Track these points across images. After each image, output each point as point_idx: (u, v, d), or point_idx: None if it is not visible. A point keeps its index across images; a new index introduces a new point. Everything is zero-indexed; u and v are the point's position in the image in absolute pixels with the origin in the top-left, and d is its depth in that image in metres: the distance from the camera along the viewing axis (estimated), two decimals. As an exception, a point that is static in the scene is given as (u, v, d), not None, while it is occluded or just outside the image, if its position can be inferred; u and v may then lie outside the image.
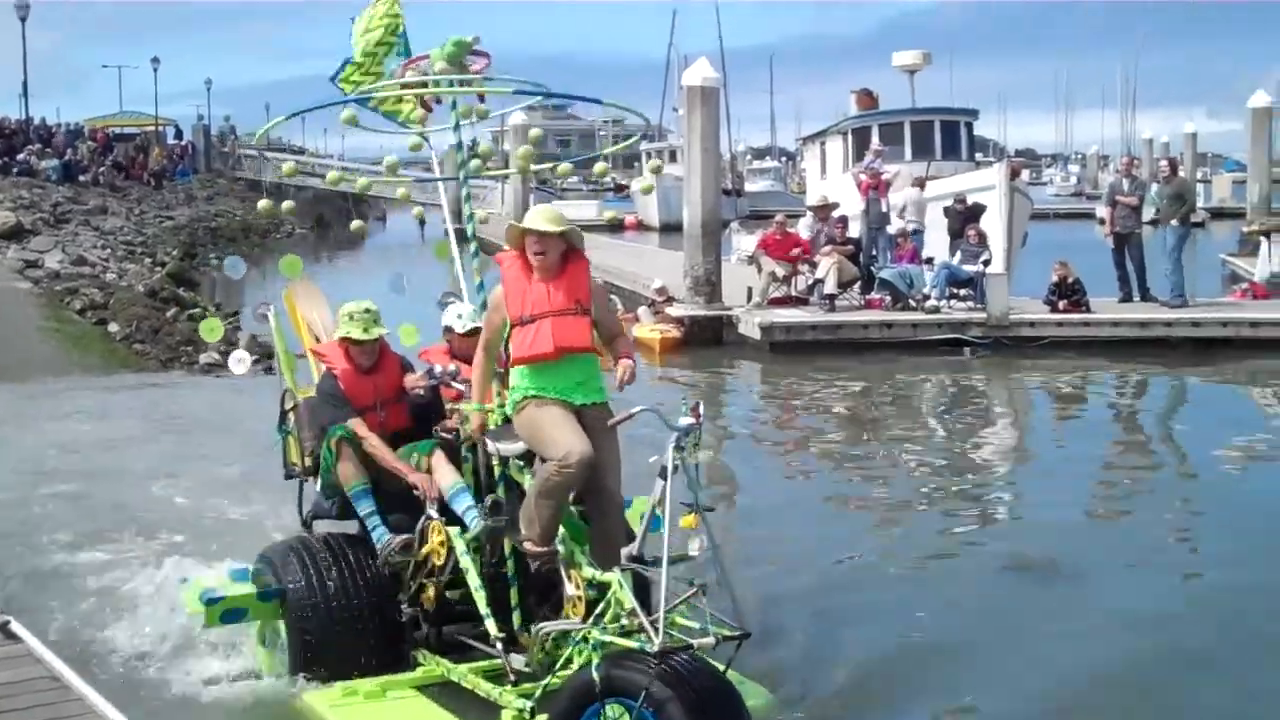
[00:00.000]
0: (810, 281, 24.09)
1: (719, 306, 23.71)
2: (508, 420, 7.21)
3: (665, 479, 6.26)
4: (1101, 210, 25.04)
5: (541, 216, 6.97)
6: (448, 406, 8.17)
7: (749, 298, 23.99)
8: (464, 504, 7.59)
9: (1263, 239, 28.02)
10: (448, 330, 8.47)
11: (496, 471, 7.50)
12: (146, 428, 16.20)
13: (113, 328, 23.61)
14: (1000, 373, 20.54)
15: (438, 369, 8.19)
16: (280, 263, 9.39)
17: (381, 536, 7.77)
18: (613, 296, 24.89)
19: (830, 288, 23.12)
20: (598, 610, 6.40)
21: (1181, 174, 25.42)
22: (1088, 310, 22.37)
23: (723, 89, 30.42)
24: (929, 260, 23.97)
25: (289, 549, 8.02)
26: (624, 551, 6.56)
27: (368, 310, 8.11)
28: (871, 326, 22.16)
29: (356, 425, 7.91)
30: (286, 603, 7.77)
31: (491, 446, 7.35)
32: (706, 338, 23.22)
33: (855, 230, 24.57)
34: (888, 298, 23.15)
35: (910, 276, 23.24)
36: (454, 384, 8.06)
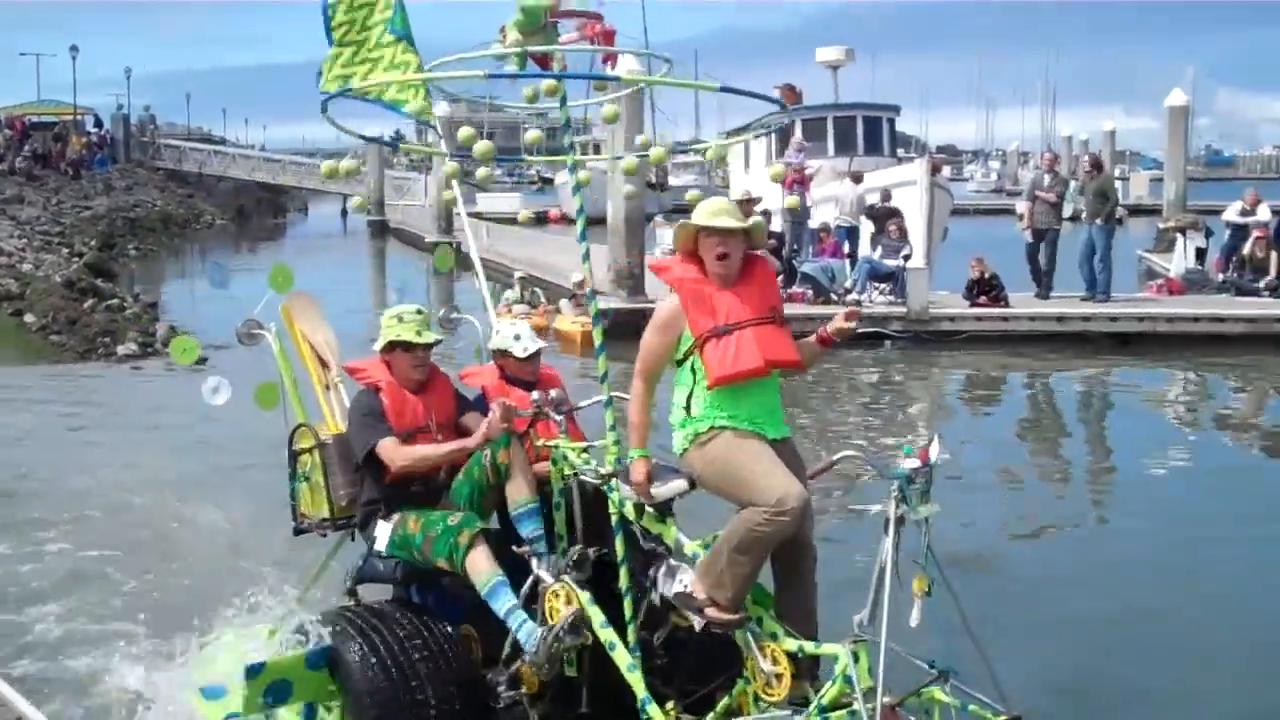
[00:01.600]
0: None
1: (642, 299, 23.75)
2: (619, 462, 6.08)
3: (889, 534, 5.21)
4: (1021, 206, 25.35)
5: (721, 210, 5.80)
6: (539, 443, 6.86)
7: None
8: (532, 533, 6.48)
9: (1178, 235, 28.44)
10: (501, 354, 7.28)
11: (614, 520, 6.14)
12: (62, 420, 16.02)
13: (29, 319, 23.28)
14: (919, 366, 20.75)
15: (535, 395, 6.81)
16: (270, 274, 7.83)
17: (531, 632, 6.15)
18: (536, 290, 25.00)
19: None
20: (820, 693, 5.42)
21: (1104, 171, 25.72)
22: (1006, 305, 22.65)
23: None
24: (851, 255, 24.15)
25: (348, 621, 6.45)
26: (856, 619, 5.39)
27: (420, 311, 6.86)
28: (793, 320, 22.21)
29: (389, 447, 6.56)
30: (349, 688, 6.26)
31: (626, 490, 6.00)
32: (629, 331, 23.13)
33: (778, 224, 24.70)
34: (810, 291, 23.30)
35: (832, 270, 23.43)
36: (557, 415, 6.79)
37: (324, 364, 7.77)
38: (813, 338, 6.01)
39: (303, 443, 7.25)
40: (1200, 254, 27.55)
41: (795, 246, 24.39)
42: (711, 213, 5.77)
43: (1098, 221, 23.24)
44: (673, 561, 6.00)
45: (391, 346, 6.76)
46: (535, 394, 6.83)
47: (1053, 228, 23.43)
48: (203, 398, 7.58)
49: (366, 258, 49.42)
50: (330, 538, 7.32)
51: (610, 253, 24.20)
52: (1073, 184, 27.03)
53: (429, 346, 6.82)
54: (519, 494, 6.52)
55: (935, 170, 25.50)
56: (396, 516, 6.62)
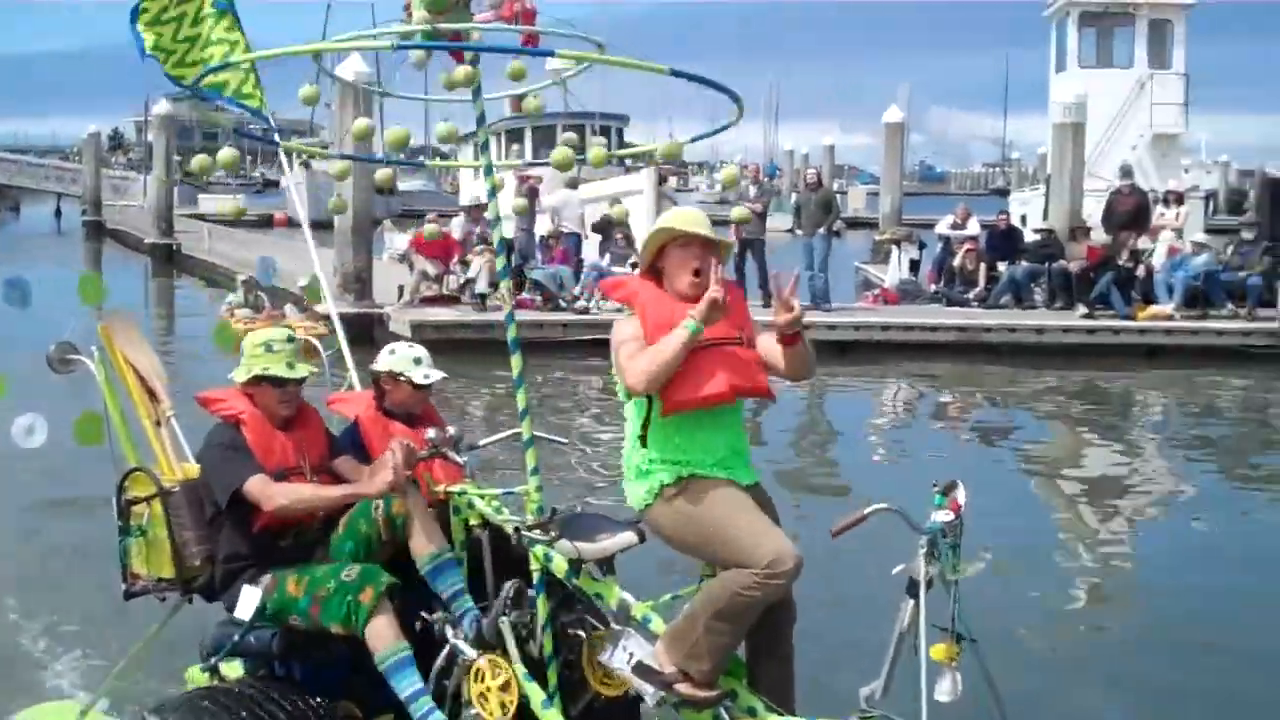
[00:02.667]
0: (462, 281, 24.14)
1: (369, 304, 23.48)
2: (550, 512, 5.38)
3: (917, 598, 4.67)
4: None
5: (700, 221, 5.17)
6: (438, 489, 6.06)
7: (400, 296, 23.88)
8: (452, 588, 5.72)
9: (893, 247, 29.45)
10: (391, 378, 6.37)
11: (536, 578, 5.47)
12: None
13: None
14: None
15: (432, 433, 6.05)
16: (79, 284, 6.63)
17: None
18: (260, 293, 24.45)
19: (482, 287, 23.23)
20: None
21: (825, 185, 26.59)
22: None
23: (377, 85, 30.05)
24: (580, 262, 24.33)
25: (205, 710, 5.37)
26: (864, 692, 4.88)
27: (290, 339, 5.98)
28: (523, 326, 22.25)
29: (260, 483, 5.63)
30: None
31: (567, 546, 5.29)
32: (356, 335, 22.85)
33: (509, 231, 24.70)
34: (539, 298, 23.38)
35: (561, 277, 23.55)
36: (459, 456, 6.02)
37: (152, 395, 6.70)
38: (772, 339, 5.18)
39: (137, 490, 6.11)
40: (914, 265, 28.60)
41: (524, 254, 24.45)
42: (691, 220, 5.14)
43: (820, 232, 23.97)
44: (614, 626, 5.34)
45: (257, 380, 5.82)
46: (431, 431, 6.05)
47: (759, 238, 24.05)
48: (13, 440, 6.41)
49: (82, 260, 47.52)
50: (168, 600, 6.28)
51: (337, 256, 23.84)
52: (794, 196, 27.71)
53: (301, 382, 5.93)
54: (426, 547, 5.72)
55: (662, 180, 25.91)
56: (268, 578, 5.68)
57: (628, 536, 5.27)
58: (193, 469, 6.25)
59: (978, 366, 21.72)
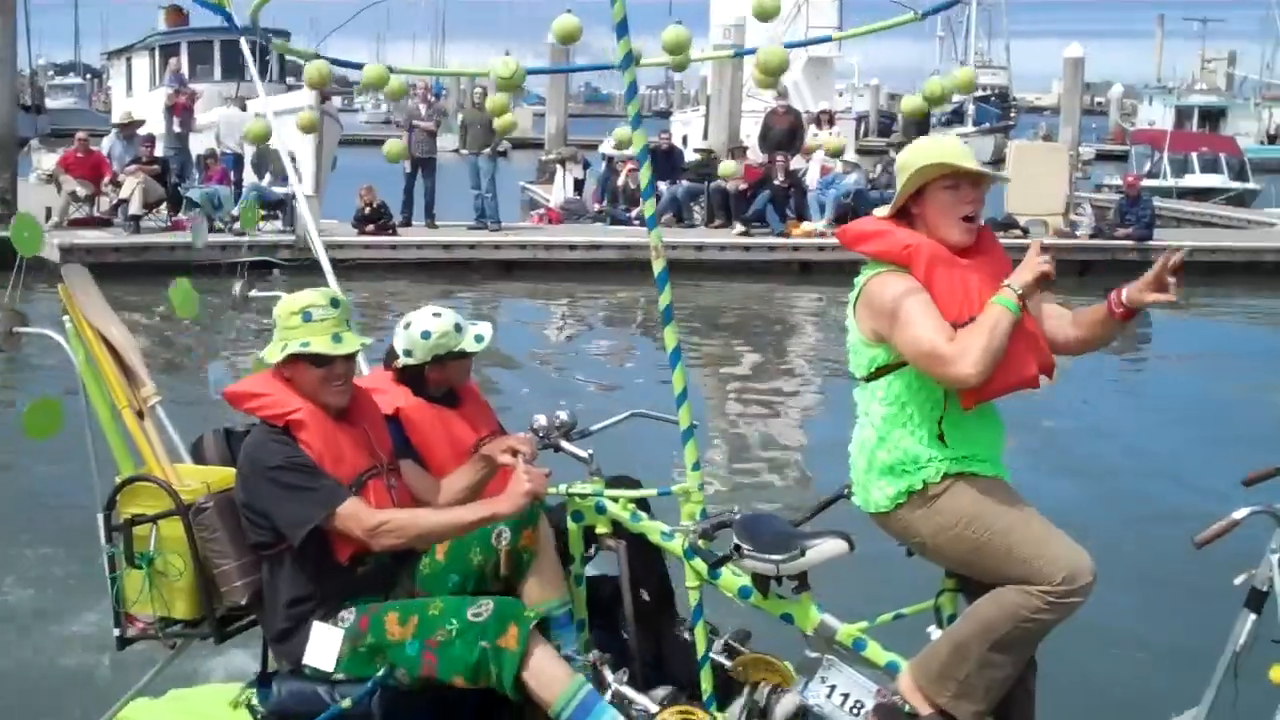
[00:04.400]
0: (114, 202, 23.21)
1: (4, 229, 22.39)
2: (716, 516, 4.49)
3: (1259, 610, 4.16)
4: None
5: (964, 153, 4.29)
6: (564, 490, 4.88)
7: (48, 218, 22.81)
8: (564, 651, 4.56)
9: (559, 167, 29.68)
10: (438, 363, 5.09)
11: (693, 602, 4.56)
12: None
13: None
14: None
15: (542, 420, 5.06)
16: (14, 227, 5.31)
17: None
18: None
19: (135, 208, 22.37)
20: None
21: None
22: (394, 233, 22.95)
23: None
24: (238, 182, 23.70)
25: None
26: (1189, 714, 4.28)
27: (336, 302, 4.64)
28: (178, 248, 21.64)
29: (353, 511, 4.39)
30: None
31: (757, 563, 4.39)
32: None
33: (161, 150, 23.88)
34: (198, 217, 22.69)
35: (219, 197, 22.89)
36: (576, 449, 5.01)
37: (129, 376, 5.24)
38: (1101, 309, 4.26)
39: (140, 506, 4.76)
40: (578, 185, 28.90)
41: (180, 172, 23.68)
42: (959, 153, 4.24)
43: (485, 152, 23.97)
44: (810, 654, 4.53)
45: (294, 359, 4.53)
46: (541, 417, 5.06)
47: (430, 156, 23.95)
48: None
49: None
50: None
51: (-23, 177, 22.58)
52: (460, 116, 27.58)
53: (352, 358, 4.67)
54: (543, 594, 4.67)
55: (325, 99, 25.37)
56: (349, 614, 4.47)
57: (837, 544, 4.33)
58: (204, 473, 4.94)
59: (644, 285, 22.13)
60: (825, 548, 4.32)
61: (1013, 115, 63.61)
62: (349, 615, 4.45)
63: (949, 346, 3.99)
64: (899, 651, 4.44)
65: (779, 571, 4.37)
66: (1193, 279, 21.72)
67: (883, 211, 4.37)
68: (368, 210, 23.04)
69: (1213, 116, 60.12)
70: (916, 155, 4.22)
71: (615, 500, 4.79)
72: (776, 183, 24.52)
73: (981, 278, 4.17)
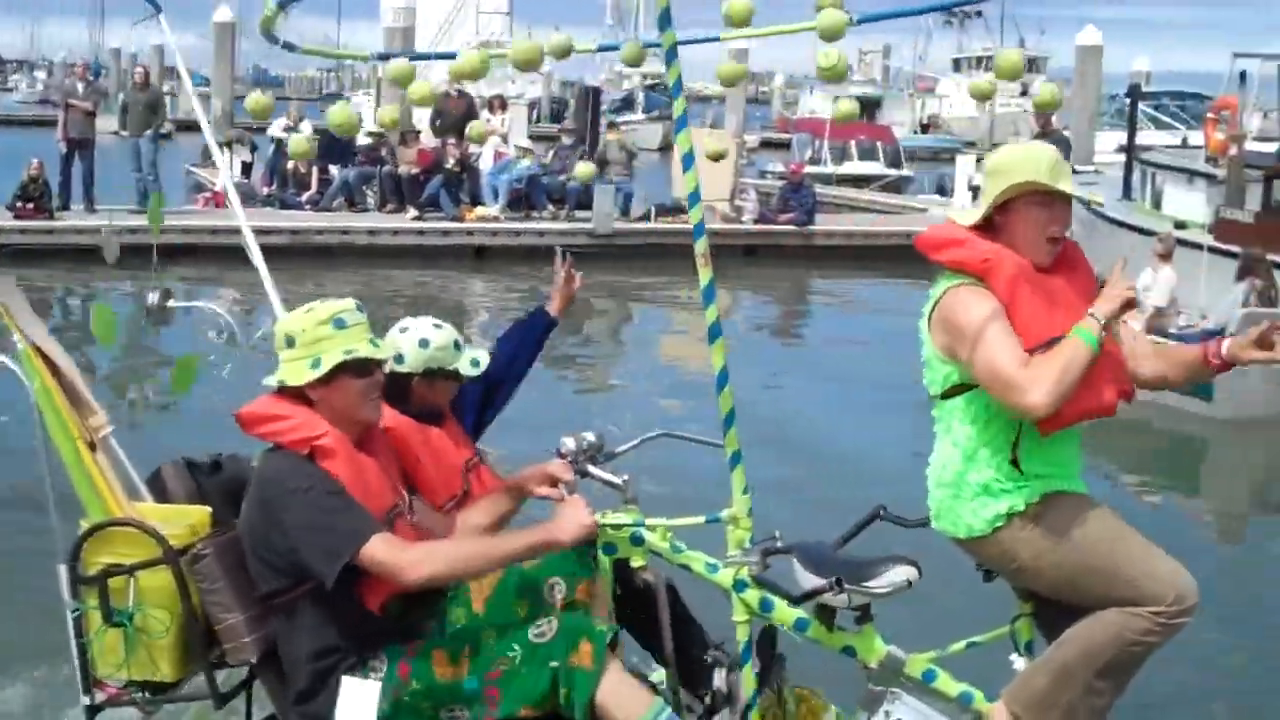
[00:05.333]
0: None
1: None
2: (763, 544, 4.22)
3: None
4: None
5: (1063, 170, 4.07)
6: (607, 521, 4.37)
7: None
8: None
9: (225, 150, 28.90)
10: (427, 379, 4.71)
11: (743, 640, 4.30)
12: None
13: None
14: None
15: (570, 443, 4.61)
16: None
17: None
18: None
19: None
20: None
21: (153, 84, 25.69)
22: (51, 217, 22.07)
23: None
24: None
25: None
26: None
27: (359, 306, 4.25)
28: None
29: (385, 546, 3.88)
30: None
31: (805, 577, 4.14)
32: None
33: None
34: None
35: None
36: (607, 475, 4.54)
37: (75, 401, 4.53)
38: (1195, 353, 4.21)
39: (112, 555, 4.19)
40: (246, 168, 28.22)
41: None
42: (1057, 170, 4.03)
43: (147, 134, 23.25)
44: (874, 688, 4.28)
45: (337, 371, 4.04)
46: (569, 440, 4.60)
47: (88, 137, 23.08)
48: None
49: None
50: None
51: None
52: (121, 96, 26.60)
53: (383, 364, 4.29)
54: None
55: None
56: (380, 663, 4.02)
57: (907, 571, 4.10)
58: (177, 513, 4.39)
59: (311, 268, 21.79)
60: (893, 575, 4.09)
61: (681, 103, 64.60)
62: (381, 665, 4.00)
63: (1021, 374, 3.84)
64: (969, 681, 4.29)
65: (849, 603, 4.11)
66: (848, 262, 22.77)
67: (961, 217, 4.21)
68: (31, 186, 22.00)
69: (870, 106, 62.56)
70: (1014, 166, 4.05)
71: (653, 530, 4.38)
72: (449, 167, 24.46)
73: (1065, 297, 4.04)
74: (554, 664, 3.84)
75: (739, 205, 26.52)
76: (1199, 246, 19.09)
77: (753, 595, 4.25)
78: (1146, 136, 26.58)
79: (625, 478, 4.43)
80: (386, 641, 4.04)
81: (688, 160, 4.06)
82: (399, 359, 4.60)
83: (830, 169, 39.60)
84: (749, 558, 4.17)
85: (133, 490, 4.54)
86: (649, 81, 66.39)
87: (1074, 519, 4.01)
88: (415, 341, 4.66)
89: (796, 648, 4.48)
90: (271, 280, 5.86)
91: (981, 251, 4.04)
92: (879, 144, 42.82)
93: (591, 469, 4.56)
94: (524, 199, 24.85)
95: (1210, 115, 23.93)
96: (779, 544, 4.22)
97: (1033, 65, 76.63)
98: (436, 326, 4.73)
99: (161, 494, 4.53)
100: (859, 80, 65.49)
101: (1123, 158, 25.48)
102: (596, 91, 32.21)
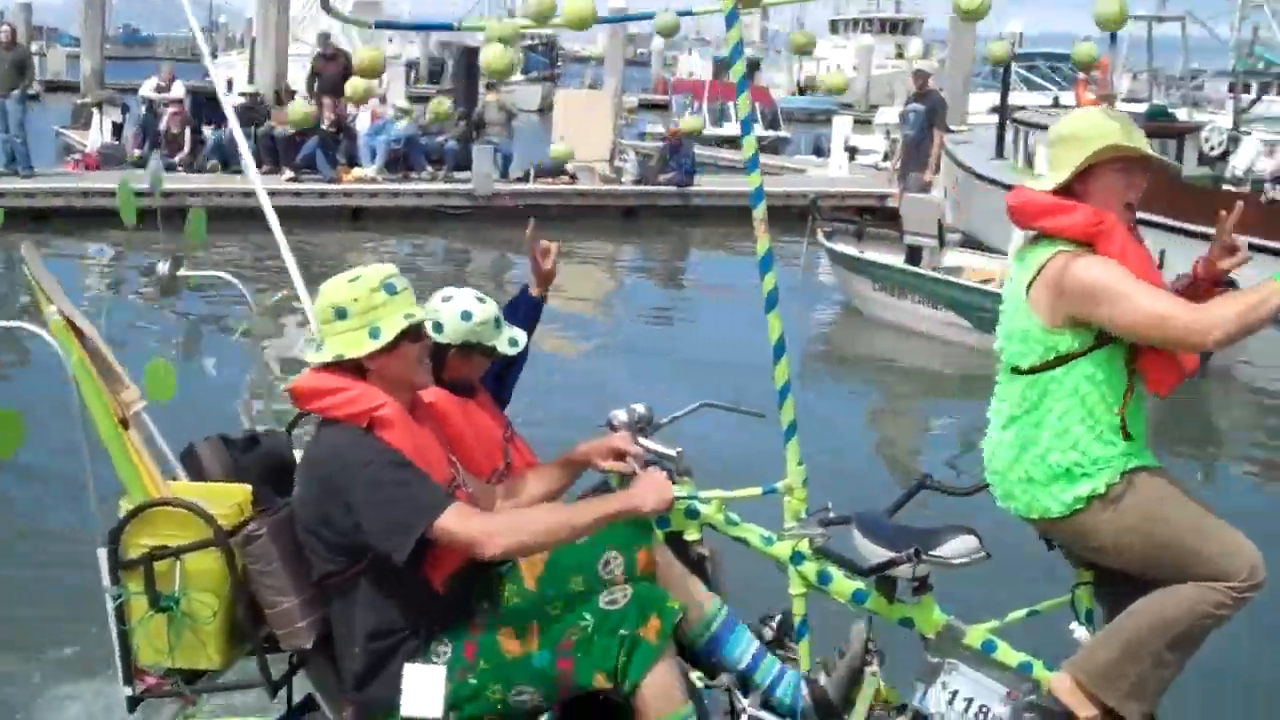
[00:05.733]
0: None
1: None
2: (820, 516, 4.23)
3: None
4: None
5: (1139, 133, 4.12)
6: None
7: None
8: (749, 653, 4.22)
9: (95, 111, 28.31)
10: (464, 352, 4.54)
11: (799, 611, 4.32)
12: None
13: None
14: None
15: (622, 414, 4.59)
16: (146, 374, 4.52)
17: None
18: None
19: None
20: None
21: (20, 43, 25.10)
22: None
23: None
24: None
25: None
26: None
27: (399, 270, 4.06)
28: None
29: (459, 517, 3.71)
30: None
31: (867, 546, 4.14)
32: None
33: None
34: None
35: None
36: (660, 446, 4.46)
37: (106, 375, 4.20)
38: (1190, 288, 4.24)
39: (157, 536, 3.95)
40: (117, 129, 27.66)
41: None
42: (1136, 133, 4.07)
43: (14, 94, 22.71)
44: (931, 659, 4.27)
45: (400, 338, 3.89)
46: (620, 412, 4.53)
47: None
48: None
49: None
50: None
51: None
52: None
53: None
54: (699, 608, 4.22)
55: None
56: (444, 646, 3.87)
57: (969, 540, 4.10)
58: (219, 491, 4.16)
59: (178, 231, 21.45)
60: (956, 545, 4.08)
61: (559, 64, 64.63)
62: (445, 649, 3.85)
63: (1196, 312, 3.84)
64: (1029, 651, 4.31)
65: (918, 575, 4.09)
66: (728, 222, 22.93)
67: (1038, 184, 4.18)
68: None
69: (750, 68, 62.89)
70: (1095, 131, 4.04)
71: (708, 502, 4.37)
72: (325, 128, 24.19)
73: (1150, 265, 4.06)
74: (623, 632, 3.72)
75: (619, 166, 26.59)
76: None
77: (810, 568, 4.23)
78: (1019, 97, 27.01)
79: (678, 450, 4.37)
80: (447, 621, 3.89)
81: (746, 125, 4.17)
82: (438, 328, 4.45)
83: (709, 130, 39.70)
84: (811, 529, 4.15)
85: (167, 468, 4.33)
86: (527, 43, 66.05)
87: (1152, 500, 4.02)
88: (458, 313, 4.49)
89: (830, 624, 4.45)
90: (287, 246, 5.74)
91: (1091, 217, 4.01)
92: (758, 105, 42.98)
93: (643, 441, 4.46)
94: (402, 160, 24.67)
95: (1081, 76, 24.31)
96: (832, 515, 4.21)
97: (905, 27, 77.50)
98: (480, 300, 4.56)
99: (197, 472, 4.32)
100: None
101: (996, 118, 25.93)
102: (474, 52, 31.99)
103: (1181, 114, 24.35)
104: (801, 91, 66.26)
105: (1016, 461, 4.13)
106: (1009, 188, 19.95)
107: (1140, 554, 4.03)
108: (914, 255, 16.94)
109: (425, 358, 4.00)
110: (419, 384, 4.00)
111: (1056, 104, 27.55)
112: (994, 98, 29.19)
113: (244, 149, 7.05)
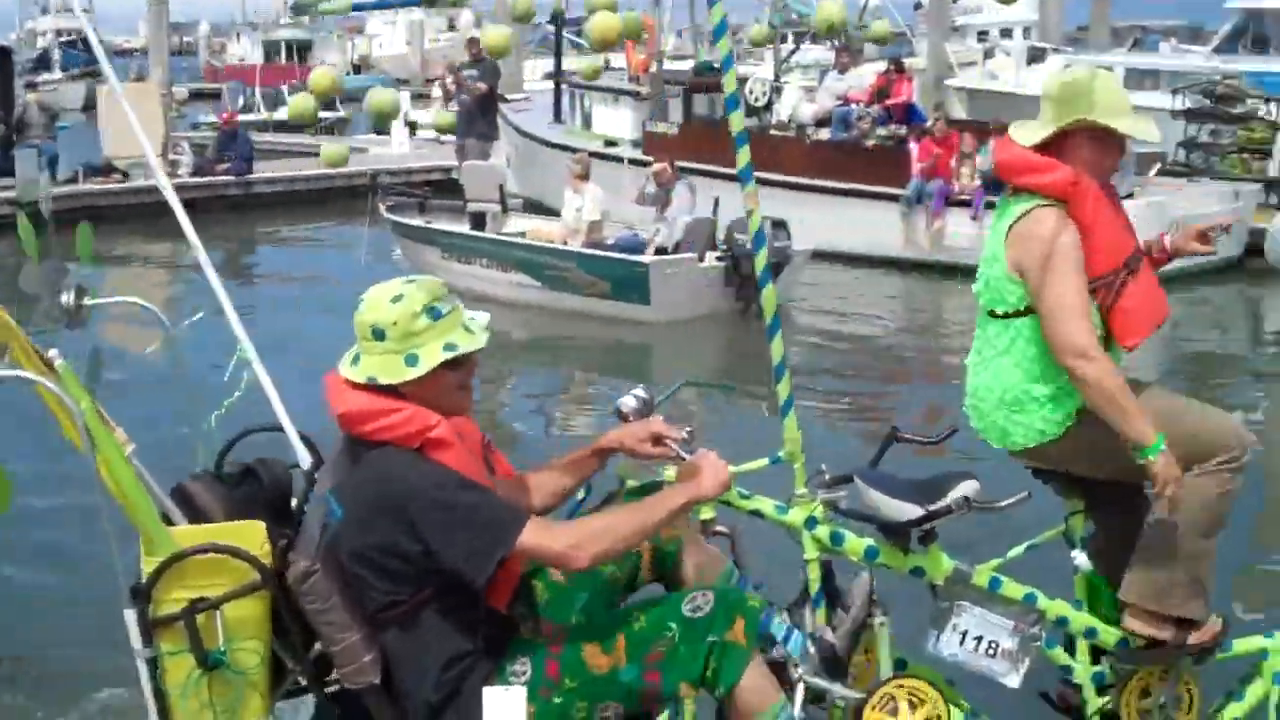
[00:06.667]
0: None
1: None
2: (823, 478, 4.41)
3: None
4: None
5: (1130, 107, 4.30)
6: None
7: None
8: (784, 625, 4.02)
9: None
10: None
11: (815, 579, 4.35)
12: None
13: None
14: None
15: (631, 400, 4.33)
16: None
17: None
18: None
19: None
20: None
21: None
22: None
23: None
24: None
25: None
26: None
27: (449, 289, 3.84)
28: None
29: (541, 530, 3.61)
30: None
31: (882, 499, 4.23)
32: None
33: None
34: None
35: None
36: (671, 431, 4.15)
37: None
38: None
39: (189, 588, 3.64)
40: None
41: None
42: (1122, 109, 4.25)
43: None
44: (941, 604, 4.37)
45: (443, 367, 3.68)
46: (630, 397, 4.32)
47: None
48: None
49: None
50: None
51: None
52: None
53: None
54: (712, 578, 4.10)
55: None
56: (523, 666, 3.70)
57: (974, 483, 4.22)
58: (232, 531, 3.78)
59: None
60: (969, 486, 4.22)
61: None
62: (522, 668, 3.70)
63: (1086, 336, 4.10)
64: (1031, 583, 4.49)
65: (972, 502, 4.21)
66: (294, 208, 22.53)
67: (1021, 134, 4.32)
68: None
69: (300, 50, 61.63)
70: (1075, 99, 4.22)
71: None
72: None
73: (1124, 218, 4.33)
74: (711, 639, 3.67)
75: (174, 159, 25.67)
76: (619, 160, 20.10)
77: (823, 531, 4.33)
78: (572, 62, 27.47)
79: (689, 429, 4.21)
80: (509, 639, 3.79)
81: (741, 139, 4.10)
82: None
83: (265, 115, 38.92)
84: (834, 491, 4.35)
85: (164, 511, 3.91)
86: (65, 39, 62.90)
87: (1141, 398, 4.23)
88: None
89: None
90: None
91: (1067, 176, 4.18)
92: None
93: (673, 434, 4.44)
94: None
95: (628, 37, 24.92)
96: (828, 476, 4.40)
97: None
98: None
99: (194, 512, 3.95)
100: (286, 23, 64.15)
101: (551, 84, 26.31)
102: (7, 51, 30.10)
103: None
104: (356, 70, 65.55)
105: (1000, 402, 4.37)
106: (571, 149, 20.55)
107: (1124, 458, 4.23)
108: (478, 222, 17.20)
109: (468, 382, 3.81)
110: (455, 411, 3.78)
111: (608, 65, 28.11)
112: (546, 64, 29.59)
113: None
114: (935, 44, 27.77)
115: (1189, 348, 14.73)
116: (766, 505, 4.42)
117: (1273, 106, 20.47)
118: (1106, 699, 4.53)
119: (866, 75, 21.47)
